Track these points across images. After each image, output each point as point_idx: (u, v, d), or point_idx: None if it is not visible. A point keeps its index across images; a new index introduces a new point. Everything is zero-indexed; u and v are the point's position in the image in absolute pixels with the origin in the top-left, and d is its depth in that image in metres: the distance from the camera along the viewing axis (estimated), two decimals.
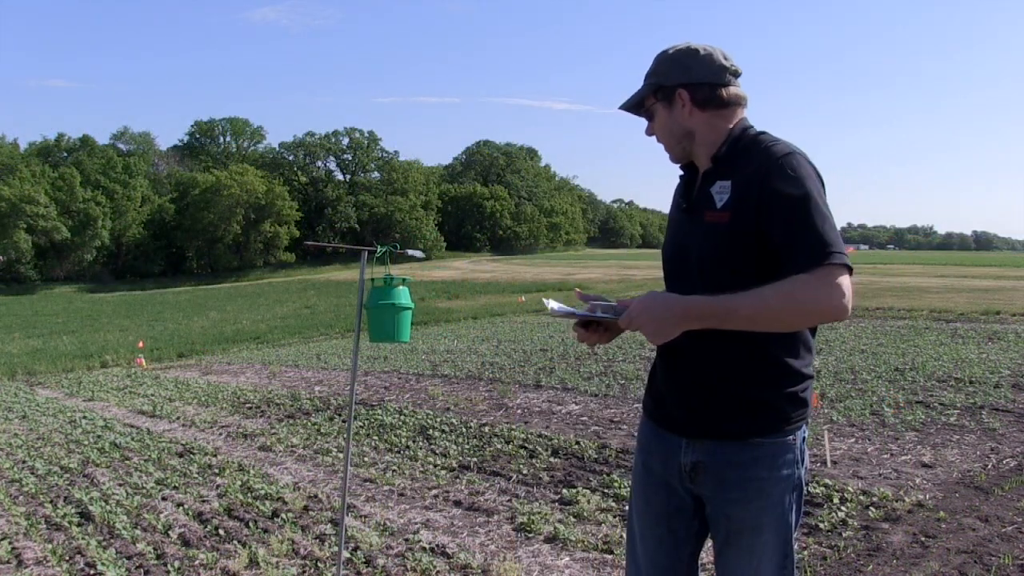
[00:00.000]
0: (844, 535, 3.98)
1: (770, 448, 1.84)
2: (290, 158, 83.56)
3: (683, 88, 1.88)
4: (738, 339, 1.76)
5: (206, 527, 4.73)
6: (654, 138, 2.00)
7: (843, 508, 4.33)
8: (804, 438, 1.90)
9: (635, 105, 1.97)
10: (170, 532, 4.69)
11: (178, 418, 8.80)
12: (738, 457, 1.85)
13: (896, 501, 4.41)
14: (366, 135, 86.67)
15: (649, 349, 11.53)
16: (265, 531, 4.56)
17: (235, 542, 4.41)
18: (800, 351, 1.85)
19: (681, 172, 2.02)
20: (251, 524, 4.69)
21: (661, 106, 1.92)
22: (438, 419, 7.45)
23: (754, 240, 1.76)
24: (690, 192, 1.95)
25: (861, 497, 4.50)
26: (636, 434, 2.17)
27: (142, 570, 4.08)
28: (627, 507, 4.47)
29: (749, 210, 1.76)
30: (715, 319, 1.70)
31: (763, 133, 1.88)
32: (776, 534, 1.86)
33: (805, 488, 1.94)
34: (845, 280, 1.65)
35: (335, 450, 6.52)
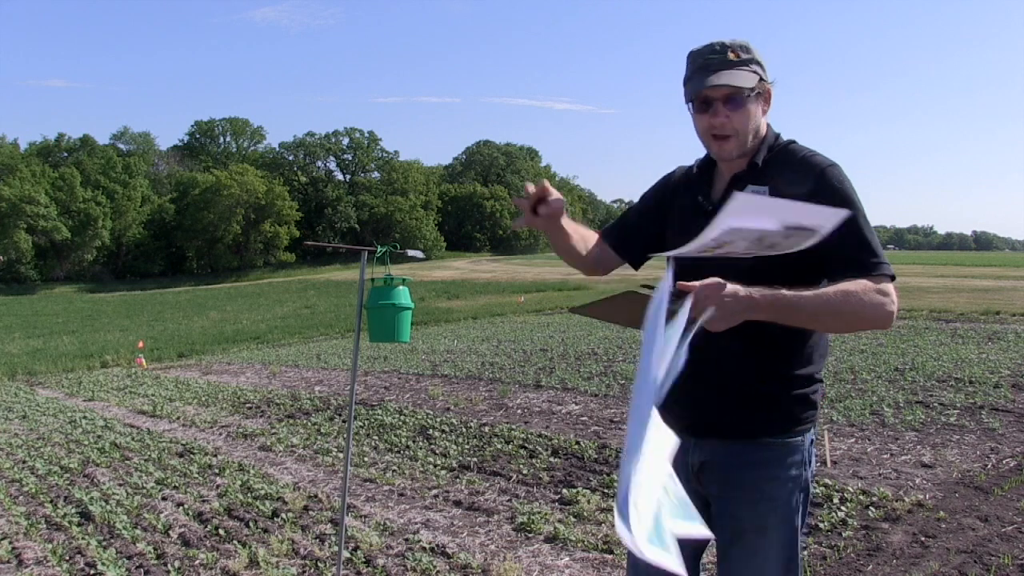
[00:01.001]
0: (844, 535, 3.98)
1: (779, 449, 1.85)
2: (290, 158, 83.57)
3: (770, 87, 1.86)
4: (755, 339, 1.75)
5: (206, 527, 4.73)
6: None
7: (843, 508, 4.34)
8: (812, 440, 1.91)
9: (741, 85, 1.79)
10: (170, 532, 4.69)
11: (178, 418, 8.80)
12: (747, 457, 1.85)
13: (896, 501, 4.41)
14: (366, 135, 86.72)
15: None
16: (265, 531, 4.57)
17: (235, 542, 4.41)
18: (815, 355, 1.87)
19: (694, 170, 1.98)
20: (251, 524, 4.69)
21: (756, 99, 1.82)
22: (438, 419, 7.45)
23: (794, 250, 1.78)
24: (708, 193, 1.91)
25: (861, 497, 4.50)
26: None
27: (142, 570, 4.08)
28: None
29: None
30: (780, 313, 1.67)
31: (793, 141, 1.89)
32: (782, 534, 1.86)
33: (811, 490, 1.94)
34: (893, 290, 1.73)
35: (335, 450, 6.52)
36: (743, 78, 1.78)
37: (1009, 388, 7.45)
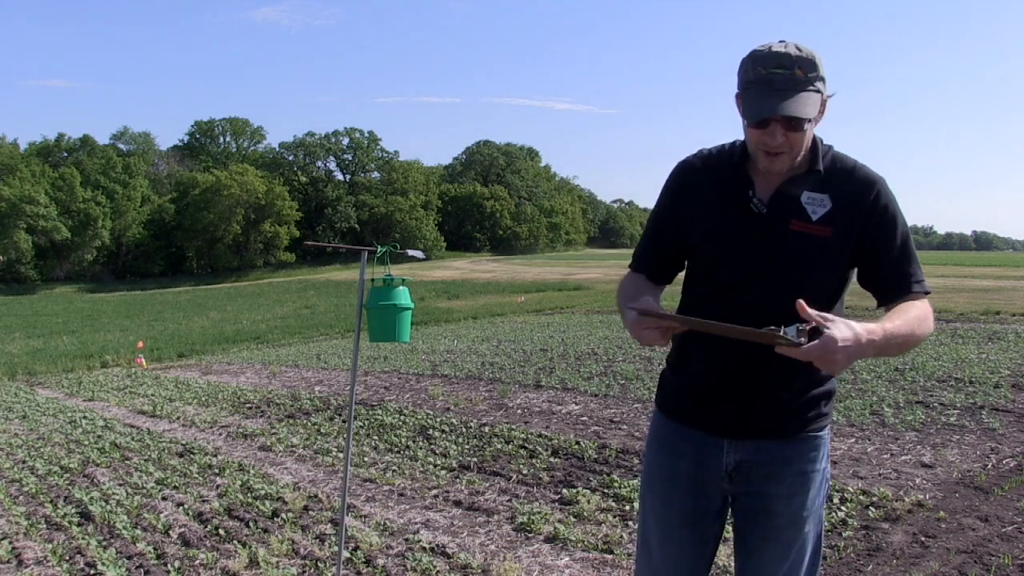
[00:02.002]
0: (844, 535, 3.98)
1: (812, 442, 1.90)
2: (290, 158, 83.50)
3: (828, 99, 1.80)
4: None
5: (206, 527, 4.73)
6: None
7: (843, 508, 4.34)
8: (830, 431, 1.98)
9: (805, 116, 1.71)
10: (170, 532, 4.69)
11: (178, 418, 8.80)
12: (784, 453, 1.88)
13: (896, 501, 4.41)
14: (366, 135, 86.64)
15: (649, 349, 11.52)
16: (265, 531, 4.57)
17: (235, 542, 4.41)
18: None
19: (732, 161, 1.89)
20: (251, 524, 4.69)
21: (815, 120, 1.76)
22: (438, 419, 7.45)
23: (849, 257, 1.81)
24: (748, 194, 1.83)
25: (861, 497, 4.50)
26: (649, 437, 2.12)
27: (142, 570, 4.08)
28: (627, 507, 4.48)
29: (855, 229, 1.79)
30: (882, 350, 1.68)
31: (832, 147, 1.88)
32: (814, 525, 1.93)
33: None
34: None
35: (335, 450, 6.52)
36: (807, 106, 1.71)
37: (1009, 388, 7.45)
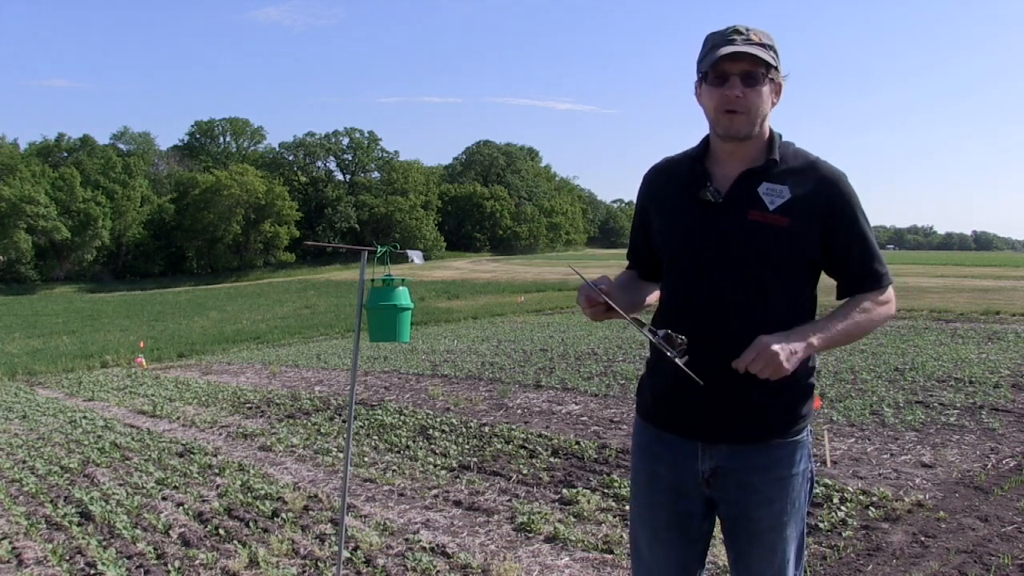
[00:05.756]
0: (844, 535, 3.98)
1: (789, 447, 1.89)
2: (290, 158, 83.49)
3: (782, 80, 1.87)
4: None
5: (206, 527, 4.73)
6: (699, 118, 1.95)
7: (843, 508, 4.34)
8: (810, 430, 1.97)
9: (759, 62, 1.78)
10: (170, 532, 4.69)
11: (178, 418, 8.80)
12: (759, 460, 1.87)
13: (896, 501, 4.41)
14: (366, 135, 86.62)
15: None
16: (265, 531, 4.57)
17: (235, 542, 4.41)
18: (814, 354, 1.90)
19: (687, 161, 1.95)
20: (251, 524, 4.69)
21: (769, 83, 1.82)
22: (438, 419, 7.45)
23: (809, 248, 1.82)
24: (704, 185, 1.87)
25: (861, 497, 4.50)
26: (632, 444, 2.14)
27: (142, 570, 4.08)
28: (627, 507, 4.47)
29: (815, 222, 1.80)
30: (827, 347, 1.82)
31: (793, 143, 1.91)
32: (796, 527, 1.92)
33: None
34: (893, 292, 1.94)
35: (335, 450, 6.52)
36: (764, 55, 1.77)
37: (1009, 388, 7.45)
